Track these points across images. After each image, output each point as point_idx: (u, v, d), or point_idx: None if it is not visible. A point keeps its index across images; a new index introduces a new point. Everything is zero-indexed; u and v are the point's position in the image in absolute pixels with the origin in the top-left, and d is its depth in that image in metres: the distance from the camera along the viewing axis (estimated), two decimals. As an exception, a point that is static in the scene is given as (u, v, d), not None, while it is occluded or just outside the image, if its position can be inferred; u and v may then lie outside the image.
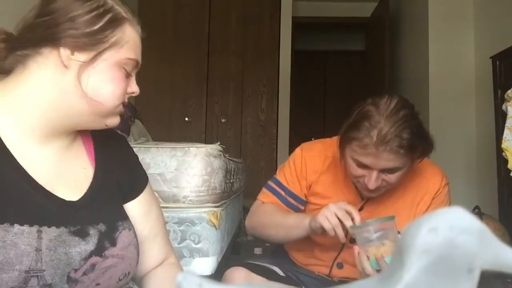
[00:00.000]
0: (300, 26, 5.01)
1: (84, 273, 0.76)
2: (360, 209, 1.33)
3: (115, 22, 0.79)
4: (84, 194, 0.82)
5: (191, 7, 4.27)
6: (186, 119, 4.22)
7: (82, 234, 0.77)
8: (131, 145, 1.01)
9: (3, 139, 0.74)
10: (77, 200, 0.80)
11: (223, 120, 4.26)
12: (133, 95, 0.86)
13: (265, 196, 1.44)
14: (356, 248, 1.15)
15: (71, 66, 0.77)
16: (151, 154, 1.63)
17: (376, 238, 1.11)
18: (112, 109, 0.82)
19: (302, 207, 1.41)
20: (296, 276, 1.43)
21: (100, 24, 0.77)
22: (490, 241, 0.38)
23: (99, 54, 0.78)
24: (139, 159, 1.00)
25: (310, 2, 5.11)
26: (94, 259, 0.77)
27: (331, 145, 1.39)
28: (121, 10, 0.81)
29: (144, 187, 0.96)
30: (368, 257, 1.11)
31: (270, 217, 1.37)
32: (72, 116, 0.80)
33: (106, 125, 0.84)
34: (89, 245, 0.77)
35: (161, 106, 4.13)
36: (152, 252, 0.94)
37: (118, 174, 0.90)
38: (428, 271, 0.37)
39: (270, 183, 1.46)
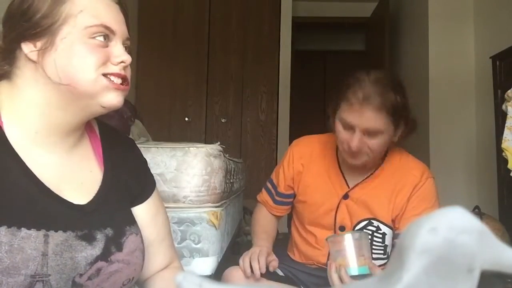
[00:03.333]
0: (300, 26, 5.00)
1: (89, 278, 0.75)
2: (345, 197, 1.41)
3: None
4: (93, 198, 0.80)
5: (191, 8, 4.26)
6: (186, 119, 4.21)
7: (89, 239, 0.76)
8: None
9: (12, 143, 0.74)
10: (86, 204, 0.79)
11: (223, 120, 4.25)
12: (124, 64, 0.77)
13: (261, 194, 1.60)
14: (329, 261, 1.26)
15: (37, 58, 0.74)
16: (151, 154, 1.63)
17: (344, 250, 1.21)
18: (91, 85, 0.74)
19: (291, 200, 1.54)
20: (295, 275, 1.45)
21: (47, 4, 0.73)
22: (490, 241, 0.38)
23: (53, 35, 0.73)
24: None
25: (310, 2, 5.10)
26: (100, 264, 0.76)
27: (321, 138, 1.52)
28: None
29: (152, 191, 0.95)
30: (336, 268, 1.21)
31: (255, 222, 1.58)
32: (65, 108, 0.76)
33: (102, 107, 0.76)
34: (96, 250, 0.76)
35: (161, 106, 4.12)
36: (158, 256, 0.93)
37: (127, 177, 0.88)
38: (428, 271, 0.37)
39: (267, 182, 1.60)
